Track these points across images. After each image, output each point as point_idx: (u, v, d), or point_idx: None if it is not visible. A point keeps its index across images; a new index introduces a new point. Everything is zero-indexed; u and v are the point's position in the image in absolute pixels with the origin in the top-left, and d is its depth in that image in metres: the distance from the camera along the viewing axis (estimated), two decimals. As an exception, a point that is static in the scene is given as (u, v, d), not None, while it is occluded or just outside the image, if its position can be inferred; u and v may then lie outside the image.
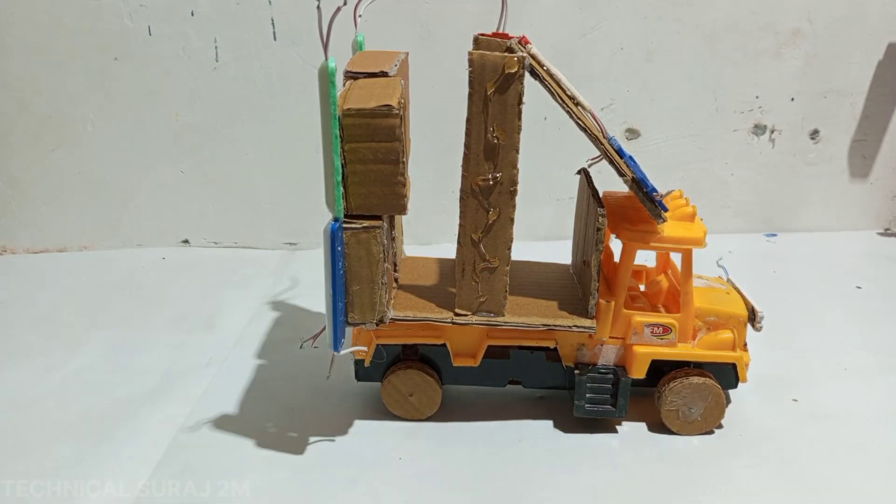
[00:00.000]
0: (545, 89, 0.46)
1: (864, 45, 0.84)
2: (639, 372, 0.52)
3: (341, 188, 0.44)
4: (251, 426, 0.55)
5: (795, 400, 0.58)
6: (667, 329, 0.51)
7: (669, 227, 0.50)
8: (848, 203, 0.92)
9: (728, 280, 0.59)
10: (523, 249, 0.55)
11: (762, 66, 0.84)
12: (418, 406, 0.55)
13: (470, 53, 0.43)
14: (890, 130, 0.89)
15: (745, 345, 0.54)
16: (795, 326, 0.69)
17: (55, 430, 0.55)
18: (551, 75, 0.45)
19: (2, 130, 0.82)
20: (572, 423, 0.55)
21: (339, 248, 0.45)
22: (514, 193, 0.46)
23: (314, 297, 0.75)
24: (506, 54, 0.42)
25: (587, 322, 0.50)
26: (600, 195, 0.51)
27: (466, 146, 0.45)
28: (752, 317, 0.53)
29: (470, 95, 0.44)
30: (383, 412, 0.56)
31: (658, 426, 0.54)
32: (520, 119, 0.44)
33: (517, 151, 0.45)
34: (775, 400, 0.58)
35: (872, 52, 0.84)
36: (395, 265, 0.54)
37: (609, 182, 0.53)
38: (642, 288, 0.58)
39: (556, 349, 0.52)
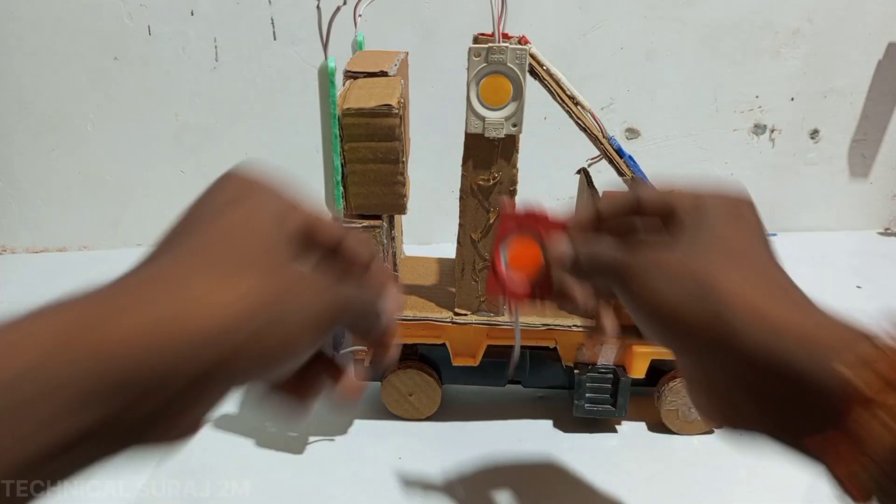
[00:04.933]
0: (545, 89, 0.46)
1: (864, 45, 0.84)
2: (638, 371, 0.52)
3: (341, 188, 0.44)
4: (251, 426, 0.55)
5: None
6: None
7: (669, 227, 0.50)
8: (848, 203, 0.92)
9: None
10: (523, 249, 0.55)
11: (762, 65, 0.84)
12: (418, 406, 0.55)
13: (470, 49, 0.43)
14: (890, 130, 0.88)
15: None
16: (795, 326, 0.68)
17: (55, 429, 0.55)
18: (551, 75, 0.45)
19: (2, 130, 0.82)
20: (572, 423, 0.55)
21: (339, 248, 0.45)
22: (514, 193, 0.46)
23: (314, 296, 0.75)
24: (504, 45, 0.42)
25: (587, 321, 0.50)
26: (600, 195, 0.51)
27: (466, 146, 0.45)
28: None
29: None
30: (383, 412, 0.56)
31: (658, 426, 0.54)
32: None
33: (517, 151, 0.45)
34: (775, 400, 0.58)
35: (872, 52, 0.84)
36: (395, 265, 0.54)
37: (609, 181, 0.52)
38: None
39: (555, 349, 0.52)
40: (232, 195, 0.27)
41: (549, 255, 0.35)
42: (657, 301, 0.29)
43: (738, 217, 0.31)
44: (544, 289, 0.35)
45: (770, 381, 0.25)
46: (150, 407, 0.21)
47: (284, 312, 0.24)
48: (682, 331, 0.28)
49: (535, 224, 0.35)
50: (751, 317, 0.26)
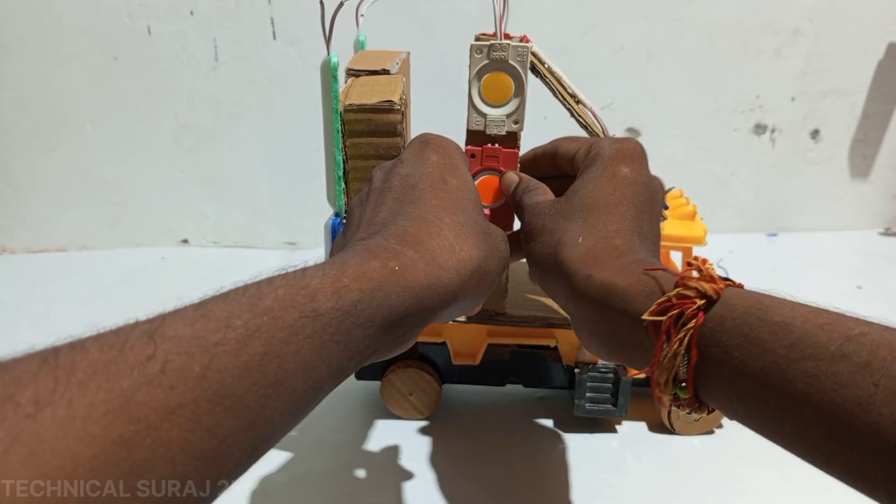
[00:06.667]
0: (546, 87, 0.45)
1: (864, 45, 0.84)
2: (639, 371, 0.52)
3: (342, 184, 0.44)
4: (251, 425, 0.55)
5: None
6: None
7: (670, 226, 0.50)
8: (848, 203, 0.92)
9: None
10: (524, 248, 0.55)
11: (762, 65, 0.84)
12: (418, 405, 0.55)
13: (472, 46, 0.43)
14: (890, 130, 0.88)
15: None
16: (796, 326, 0.68)
17: (54, 429, 0.54)
18: (552, 73, 0.45)
19: (2, 130, 0.82)
20: (572, 422, 0.55)
21: (340, 246, 0.45)
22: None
23: (314, 296, 0.75)
24: (506, 42, 0.42)
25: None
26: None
27: (467, 144, 0.45)
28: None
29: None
30: (383, 412, 0.55)
31: (658, 426, 0.54)
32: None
33: (518, 148, 0.45)
34: (776, 399, 0.58)
35: (872, 52, 0.84)
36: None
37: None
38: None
39: (556, 348, 0.52)
40: (443, 164, 0.33)
41: (501, 184, 0.43)
42: (528, 245, 0.36)
43: (616, 170, 0.35)
44: (506, 215, 0.44)
45: (603, 328, 0.31)
46: (411, 330, 0.29)
47: (490, 262, 0.32)
48: (541, 277, 0.35)
49: (495, 161, 0.43)
50: (578, 274, 0.31)
